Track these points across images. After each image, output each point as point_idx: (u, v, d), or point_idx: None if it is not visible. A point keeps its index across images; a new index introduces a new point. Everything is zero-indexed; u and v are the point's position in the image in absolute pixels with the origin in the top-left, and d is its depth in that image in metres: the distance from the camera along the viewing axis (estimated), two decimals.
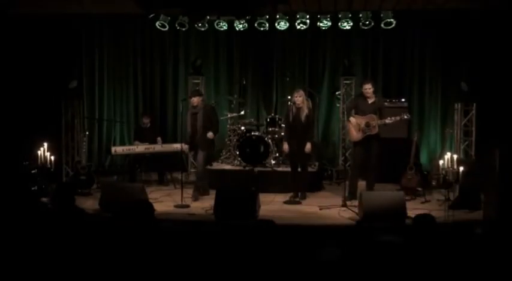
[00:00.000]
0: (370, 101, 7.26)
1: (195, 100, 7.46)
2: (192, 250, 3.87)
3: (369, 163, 7.29)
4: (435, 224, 3.99)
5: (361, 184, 7.49)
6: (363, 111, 7.21)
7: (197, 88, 9.19)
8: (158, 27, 8.94)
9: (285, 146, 7.52)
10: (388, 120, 7.09)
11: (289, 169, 7.81)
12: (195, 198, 7.43)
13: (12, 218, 4.52)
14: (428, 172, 8.36)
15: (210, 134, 7.42)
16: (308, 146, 7.29)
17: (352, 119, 7.31)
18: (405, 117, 7.15)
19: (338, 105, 9.32)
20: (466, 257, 3.64)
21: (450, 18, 8.74)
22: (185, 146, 7.62)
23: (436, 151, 9.21)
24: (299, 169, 7.55)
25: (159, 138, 8.52)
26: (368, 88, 7.23)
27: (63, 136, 8.78)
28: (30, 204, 5.48)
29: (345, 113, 7.70)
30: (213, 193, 6.80)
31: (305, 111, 7.30)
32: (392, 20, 8.54)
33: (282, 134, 8.08)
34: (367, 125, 7.14)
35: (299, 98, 7.30)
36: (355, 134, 7.27)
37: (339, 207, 6.88)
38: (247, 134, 8.42)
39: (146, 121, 8.74)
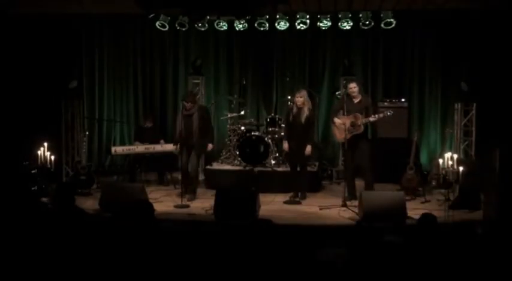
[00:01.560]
0: (355, 100, 7.25)
1: (191, 100, 7.40)
2: (192, 250, 3.87)
3: (361, 163, 7.27)
4: (436, 224, 4.00)
5: (360, 184, 7.48)
6: (349, 111, 7.16)
7: (196, 90, 9.13)
8: (158, 27, 8.92)
9: (285, 145, 7.53)
10: (372, 118, 7.04)
11: (289, 169, 7.81)
12: (191, 199, 7.42)
13: (12, 218, 4.52)
14: (428, 172, 8.36)
15: (210, 146, 7.54)
16: (308, 148, 7.28)
17: (336, 119, 7.30)
18: (388, 113, 7.06)
19: None
20: (466, 257, 3.64)
21: (450, 18, 8.73)
22: (174, 147, 7.51)
23: (436, 151, 9.19)
24: (298, 169, 7.55)
25: (162, 142, 8.51)
26: (353, 87, 7.23)
27: (63, 136, 8.78)
28: (30, 204, 5.48)
29: (330, 114, 7.70)
30: (213, 193, 6.79)
31: (305, 112, 7.29)
32: (392, 20, 8.53)
33: (282, 133, 8.08)
34: (353, 124, 7.11)
35: (300, 98, 7.28)
36: (338, 135, 7.29)
37: (339, 207, 6.87)
38: (247, 134, 8.42)
39: (150, 125, 8.75)
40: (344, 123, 7.13)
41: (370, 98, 7.68)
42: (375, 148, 8.09)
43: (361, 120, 7.06)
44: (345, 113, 7.15)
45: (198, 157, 7.54)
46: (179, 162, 7.36)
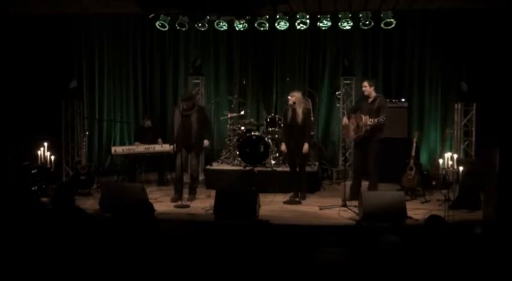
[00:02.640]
0: (369, 100, 7.23)
1: (189, 103, 7.40)
2: (192, 250, 3.87)
3: (366, 164, 7.26)
4: (445, 225, 4.01)
5: (366, 184, 7.47)
6: (361, 111, 7.16)
7: (196, 90, 9.14)
8: (158, 27, 8.91)
9: (283, 147, 7.57)
10: (369, 122, 6.94)
11: (289, 169, 7.82)
12: (191, 199, 7.44)
13: (12, 218, 4.52)
14: (428, 172, 8.36)
15: (206, 142, 7.55)
16: (305, 146, 7.32)
17: (344, 119, 7.33)
18: (381, 120, 6.88)
19: (338, 105, 9.30)
20: (465, 258, 3.64)
21: (450, 18, 8.73)
22: (171, 147, 7.47)
23: (436, 151, 9.19)
24: (297, 169, 7.56)
25: (160, 140, 8.51)
26: (363, 86, 7.24)
27: (63, 136, 8.78)
28: (30, 204, 5.48)
29: (345, 112, 7.72)
30: (213, 193, 6.79)
31: (300, 113, 7.31)
32: (392, 20, 8.52)
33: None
34: (357, 125, 7.12)
35: (291, 98, 7.36)
36: (348, 134, 7.31)
37: (339, 207, 6.88)
38: (247, 134, 8.43)
39: (148, 123, 8.75)
40: (353, 123, 7.15)
41: (384, 100, 7.40)
42: None
43: (362, 122, 7.05)
44: (345, 113, 7.17)
45: (197, 157, 7.55)
46: (177, 161, 7.33)
